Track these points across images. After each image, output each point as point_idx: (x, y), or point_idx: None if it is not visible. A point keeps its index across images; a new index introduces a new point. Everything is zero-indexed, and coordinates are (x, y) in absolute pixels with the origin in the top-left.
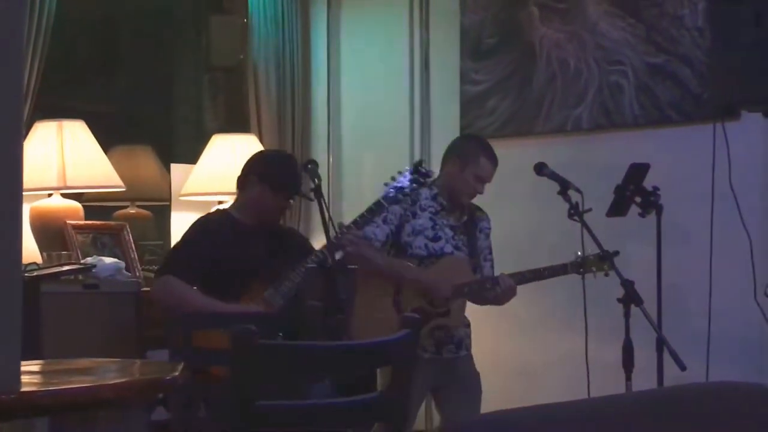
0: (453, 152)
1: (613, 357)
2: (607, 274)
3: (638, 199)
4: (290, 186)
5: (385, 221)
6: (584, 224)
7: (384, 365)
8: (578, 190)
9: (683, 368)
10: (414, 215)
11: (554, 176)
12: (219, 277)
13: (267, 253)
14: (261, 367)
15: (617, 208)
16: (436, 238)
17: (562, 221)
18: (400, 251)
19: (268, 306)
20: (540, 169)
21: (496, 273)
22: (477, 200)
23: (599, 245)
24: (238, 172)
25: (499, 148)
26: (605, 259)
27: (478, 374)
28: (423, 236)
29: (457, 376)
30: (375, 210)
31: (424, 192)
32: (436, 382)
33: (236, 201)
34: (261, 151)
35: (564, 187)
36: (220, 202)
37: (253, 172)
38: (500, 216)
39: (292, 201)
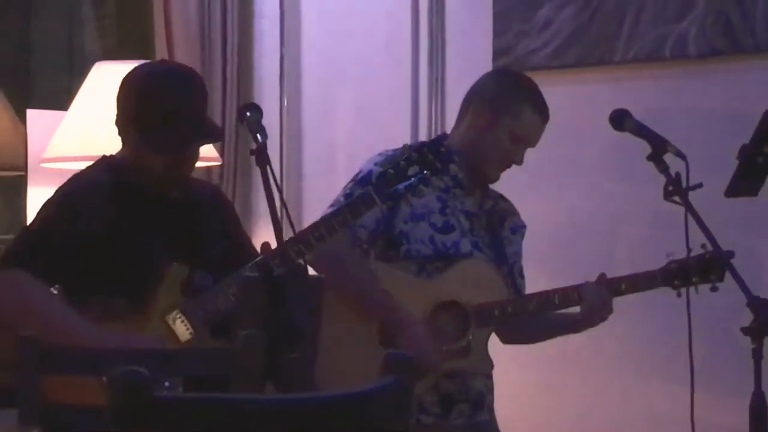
0: (479, 95)
1: (733, 418)
2: (715, 288)
3: None
4: (182, 140)
5: None
6: (689, 208)
7: None
8: (681, 155)
9: None
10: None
11: (643, 131)
12: (93, 279)
13: (173, 242)
14: None
15: (743, 184)
16: (447, 228)
17: (654, 203)
18: (391, 248)
19: (170, 335)
20: (620, 120)
21: (529, 288)
22: (508, 178)
23: (712, 241)
24: None
25: (555, 86)
26: (714, 265)
27: None
28: (427, 223)
29: None
30: (360, 203)
31: None
32: None
33: (120, 152)
34: (135, 69)
35: (658, 149)
36: None
37: (126, 113)
38: (551, 197)
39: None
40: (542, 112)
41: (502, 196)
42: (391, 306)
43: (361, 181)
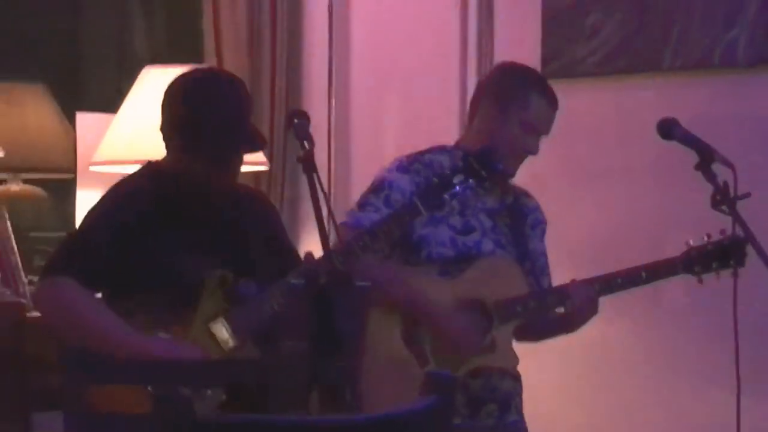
0: (487, 90)
1: None
2: (736, 273)
3: None
4: (222, 149)
5: (387, 203)
6: (737, 218)
7: None
8: (729, 164)
9: None
10: None
11: (690, 140)
12: (136, 286)
13: (217, 250)
14: None
15: None
16: (467, 229)
17: (702, 212)
18: (411, 253)
19: (213, 343)
20: (668, 128)
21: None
22: (548, 180)
23: (758, 248)
24: None
25: (603, 93)
26: (733, 249)
27: None
28: (446, 226)
29: None
30: (405, 213)
31: (443, 158)
32: None
33: (164, 159)
34: (180, 76)
35: (706, 158)
36: None
37: (170, 120)
38: (597, 204)
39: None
40: (550, 98)
41: (526, 192)
42: (417, 298)
43: (375, 190)
